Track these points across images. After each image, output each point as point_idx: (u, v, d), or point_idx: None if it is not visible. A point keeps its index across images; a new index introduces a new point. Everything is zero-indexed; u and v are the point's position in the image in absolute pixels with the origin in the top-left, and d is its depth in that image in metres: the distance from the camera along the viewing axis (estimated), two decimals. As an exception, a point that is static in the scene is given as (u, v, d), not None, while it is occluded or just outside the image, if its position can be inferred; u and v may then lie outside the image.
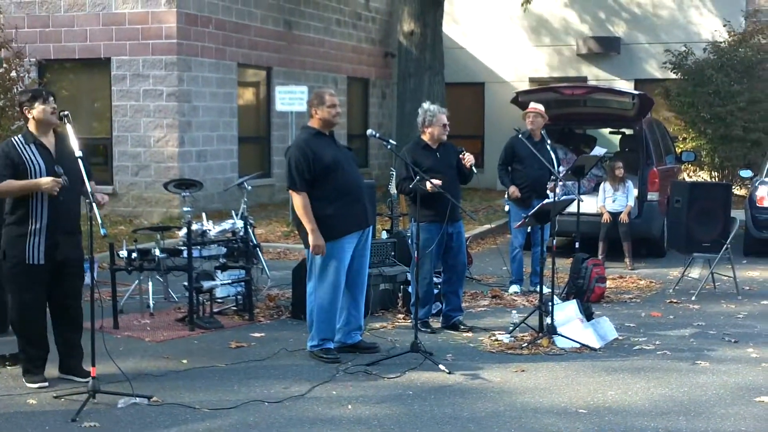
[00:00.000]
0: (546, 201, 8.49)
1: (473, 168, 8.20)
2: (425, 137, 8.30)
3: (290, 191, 7.18)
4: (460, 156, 8.21)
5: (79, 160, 6.03)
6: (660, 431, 5.61)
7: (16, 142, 6.35)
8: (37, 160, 6.26)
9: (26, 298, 6.37)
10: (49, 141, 6.36)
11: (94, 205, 5.94)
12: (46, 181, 6.14)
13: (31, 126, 6.37)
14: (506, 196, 10.71)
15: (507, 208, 10.71)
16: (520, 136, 9.72)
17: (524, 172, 10.10)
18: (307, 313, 7.32)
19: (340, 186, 7.07)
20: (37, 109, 6.32)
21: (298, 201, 7.05)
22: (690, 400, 6.24)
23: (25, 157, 6.25)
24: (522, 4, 21.52)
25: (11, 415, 5.82)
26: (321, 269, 7.09)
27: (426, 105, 8.43)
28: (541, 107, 10.21)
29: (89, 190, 5.98)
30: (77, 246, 6.43)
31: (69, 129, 6.15)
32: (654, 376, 6.84)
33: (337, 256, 7.06)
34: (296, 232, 7.52)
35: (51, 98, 6.36)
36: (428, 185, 7.63)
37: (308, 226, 7.01)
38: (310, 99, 7.37)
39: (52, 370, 6.58)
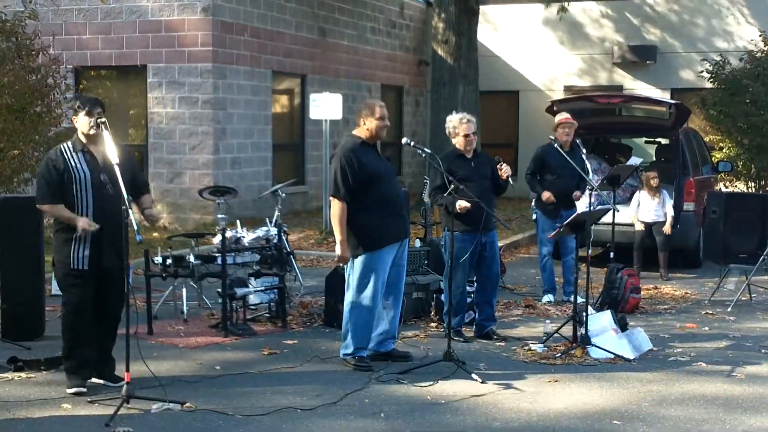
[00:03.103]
0: (581, 210, 8.44)
1: (510, 179, 8.18)
2: (458, 145, 8.31)
3: (331, 198, 7.17)
4: (498, 166, 8.18)
5: (116, 167, 6.07)
6: (695, 444, 5.57)
7: (64, 149, 6.45)
8: (82, 168, 6.34)
9: (73, 303, 6.44)
10: (97, 149, 6.42)
11: (130, 211, 5.99)
12: (81, 223, 6.25)
13: (79, 133, 6.45)
14: (533, 204, 10.64)
15: (534, 217, 10.64)
16: (555, 144, 9.67)
17: (554, 182, 10.01)
18: (343, 321, 7.32)
19: (382, 197, 7.09)
20: (80, 120, 6.41)
21: (336, 209, 7.05)
22: (726, 412, 6.17)
23: (71, 165, 6.34)
24: (558, 12, 21.44)
25: (46, 419, 5.87)
26: (360, 279, 7.10)
27: (451, 115, 8.48)
28: (568, 115, 10.15)
29: (125, 196, 6.02)
30: (122, 254, 6.46)
31: (106, 136, 6.21)
32: (689, 387, 6.77)
33: (377, 267, 7.07)
34: (331, 239, 7.51)
35: (98, 109, 6.40)
36: (458, 206, 7.66)
37: (338, 236, 7.03)
38: (359, 108, 7.36)
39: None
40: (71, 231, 6.34)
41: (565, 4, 21.46)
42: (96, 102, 6.50)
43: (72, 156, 6.38)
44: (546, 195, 10.02)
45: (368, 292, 7.08)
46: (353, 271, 7.14)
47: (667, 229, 11.89)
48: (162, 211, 16.01)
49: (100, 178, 6.34)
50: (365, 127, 7.23)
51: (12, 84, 11.83)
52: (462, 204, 7.69)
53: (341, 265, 7.22)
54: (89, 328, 6.48)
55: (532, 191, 10.49)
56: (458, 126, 8.26)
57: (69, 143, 6.48)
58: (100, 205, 6.33)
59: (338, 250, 7.05)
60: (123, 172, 6.13)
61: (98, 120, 6.30)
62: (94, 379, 6.61)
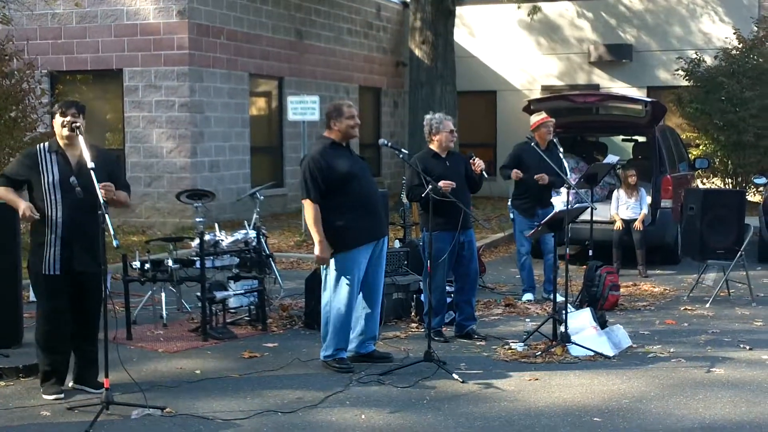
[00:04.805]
0: (559, 209, 8.47)
1: (484, 173, 8.20)
2: (433, 146, 8.31)
3: (303, 201, 7.17)
4: (470, 161, 8.21)
5: (92, 172, 6.03)
6: (675, 440, 5.59)
7: (40, 148, 6.42)
8: (52, 169, 6.29)
9: (47, 308, 6.40)
10: (73, 152, 6.38)
11: (107, 216, 5.95)
12: (23, 206, 6.18)
13: (57, 136, 6.43)
14: (509, 203, 10.64)
15: (511, 216, 10.65)
16: (533, 144, 9.68)
17: (530, 182, 9.99)
18: (321, 323, 7.31)
19: (354, 197, 7.07)
20: (56, 122, 6.38)
21: (310, 211, 7.05)
22: (705, 407, 6.20)
23: (42, 165, 6.30)
24: (528, 14, 21.52)
25: (25, 427, 5.83)
26: (335, 280, 7.08)
27: (429, 114, 8.47)
28: (545, 114, 10.17)
29: (101, 201, 5.98)
30: (96, 258, 6.41)
31: (81, 140, 6.18)
32: (669, 383, 6.80)
33: (351, 267, 7.05)
34: (310, 242, 7.50)
35: (72, 110, 6.36)
36: (441, 184, 7.65)
37: (316, 237, 7.01)
38: (327, 110, 7.34)
39: (66, 381, 6.59)
40: (42, 235, 6.29)
41: (539, 4, 21.55)
42: (71, 104, 6.44)
43: (45, 156, 6.34)
44: (514, 173, 9.97)
45: (344, 292, 7.07)
46: (328, 272, 7.13)
47: (637, 224, 11.96)
48: (140, 215, 15.94)
49: (69, 180, 6.27)
50: (336, 129, 7.22)
51: (-15, 90, 11.77)
52: (445, 182, 7.68)
53: (321, 265, 7.20)
54: (64, 334, 6.43)
55: (505, 179, 10.40)
56: (443, 122, 8.27)
57: (46, 144, 6.47)
58: (69, 208, 6.27)
59: (317, 251, 7.03)
60: (99, 175, 6.07)
61: (73, 124, 6.26)
62: (75, 386, 6.57)
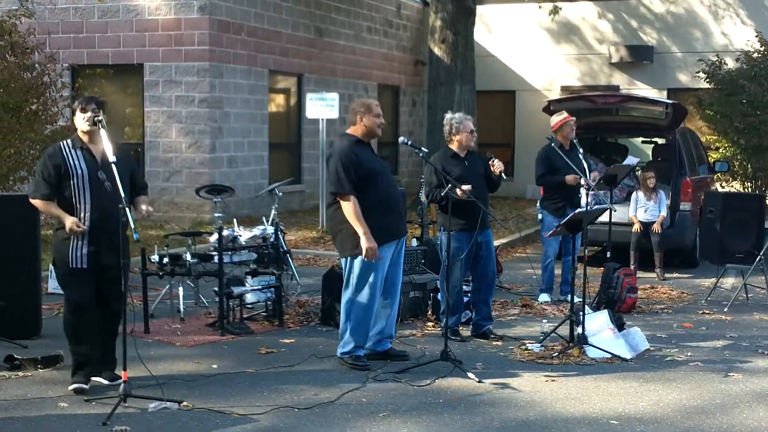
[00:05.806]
0: (578, 210, 8.44)
1: (502, 174, 8.19)
2: (453, 146, 8.28)
3: (338, 197, 7.03)
4: (489, 162, 8.20)
5: (113, 166, 6.07)
6: (692, 443, 5.57)
7: (63, 146, 6.44)
8: (80, 165, 6.33)
9: (73, 301, 6.43)
10: (96, 147, 6.41)
11: (127, 209, 5.99)
12: (69, 222, 6.21)
13: (78, 131, 6.46)
14: (538, 204, 10.59)
15: (540, 217, 10.60)
16: (553, 144, 9.63)
17: (561, 182, 9.92)
18: (341, 320, 7.31)
19: (378, 196, 7.06)
20: (77, 118, 6.42)
21: (349, 205, 6.95)
22: (722, 412, 6.17)
23: (69, 162, 6.33)
24: (549, 14, 21.45)
25: (43, 418, 5.86)
26: (358, 278, 7.08)
27: (449, 114, 8.42)
28: (567, 113, 10.12)
29: (122, 194, 6.02)
30: (119, 252, 6.44)
31: (103, 134, 6.21)
32: (686, 387, 6.78)
33: (376, 265, 7.04)
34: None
35: (92, 105, 6.39)
36: (458, 191, 7.61)
37: (360, 228, 6.92)
38: (355, 107, 7.32)
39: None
40: None
41: (560, 4, 21.48)
42: (91, 99, 6.49)
43: (70, 153, 6.38)
44: (571, 178, 9.70)
45: (367, 290, 7.07)
46: (352, 270, 7.12)
47: (655, 227, 11.91)
48: (159, 210, 15.98)
49: (98, 175, 6.33)
50: (362, 125, 7.21)
51: (7, 82, 11.82)
52: (463, 187, 7.65)
53: (370, 259, 7.00)
54: (91, 326, 6.46)
55: (551, 187, 10.11)
56: (463, 122, 8.24)
57: (69, 141, 6.49)
58: (98, 202, 6.32)
59: (365, 243, 6.89)
60: (122, 170, 6.14)
61: (95, 118, 6.30)
62: (93, 378, 6.60)
